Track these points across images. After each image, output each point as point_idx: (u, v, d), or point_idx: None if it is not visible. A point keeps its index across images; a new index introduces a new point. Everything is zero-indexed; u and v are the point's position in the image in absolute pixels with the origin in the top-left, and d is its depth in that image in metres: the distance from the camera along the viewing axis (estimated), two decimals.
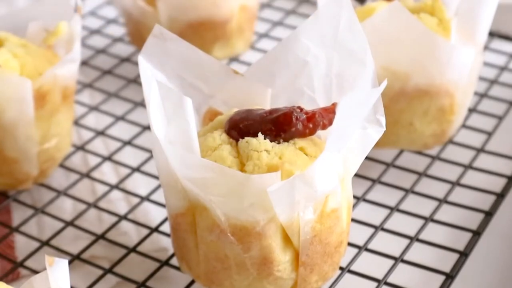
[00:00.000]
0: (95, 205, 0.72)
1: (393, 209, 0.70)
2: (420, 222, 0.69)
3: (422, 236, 0.67)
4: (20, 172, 0.71)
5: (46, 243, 0.68)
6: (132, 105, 0.85)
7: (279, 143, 0.57)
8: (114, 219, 0.71)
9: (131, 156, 0.78)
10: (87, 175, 0.75)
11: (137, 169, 0.75)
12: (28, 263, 0.67)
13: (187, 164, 0.55)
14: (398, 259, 0.64)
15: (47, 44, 0.73)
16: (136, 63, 0.89)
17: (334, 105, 0.58)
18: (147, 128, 0.80)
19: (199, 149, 0.56)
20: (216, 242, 0.58)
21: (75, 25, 0.72)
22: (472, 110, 0.81)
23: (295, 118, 0.57)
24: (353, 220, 0.67)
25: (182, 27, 0.86)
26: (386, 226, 0.68)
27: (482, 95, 0.83)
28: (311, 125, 0.57)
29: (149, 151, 0.77)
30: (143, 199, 0.72)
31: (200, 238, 0.58)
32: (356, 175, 0.63)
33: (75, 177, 0.76)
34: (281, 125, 0.57)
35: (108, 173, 0.77)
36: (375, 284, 0.63)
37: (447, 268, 0.64)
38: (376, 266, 0.64)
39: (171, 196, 0.60)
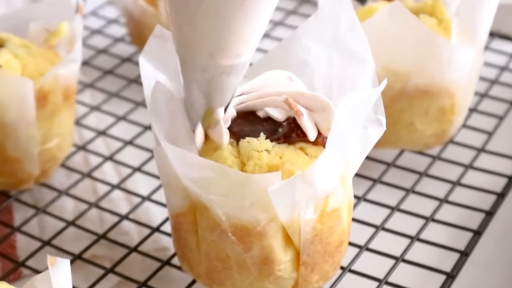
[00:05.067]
0: (96, 205, 0.72)
1: (394, 209, 0.70)
2: (421, 221, 0.69)
3: (422, 236, 0.67)
4: (21, 172, 0.71)
5: (47, 243, 0.68)
6: (133, 105, 0.85)
7: (279, 143, 0.57)
8: (115, 218, 0.71)
9: (132, 156, 0.78)
10: (88, 175, 0.75)
11: (138, 169, 0.76)
12: (30, 262, 0.67)
13: (188, 164, 0.55)
14: (399, 259, 0.65)
15: (48, 44, 0.73)
16: (137, 63, 0.89)
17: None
18: (148, 128, 0.80)
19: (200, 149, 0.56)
20: (217, 241, 0.58)
21: (76, 25, 0.72)
22: (472, 110, 0.81)
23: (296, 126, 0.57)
24: (354, 219, 0.67)
25: None
26: (387, 225, 0.68)
27: (482, 95, 0.83)
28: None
29: (150, 151, 0.77)
30: (144, 199, 0.72)
31: (201, 237, 0.59)
32: (357, 174, 0.63)
33: (76, 177, 0.76)
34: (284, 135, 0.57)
35: (109, 173, 0.77)
36: (376, 283, 0.63)
37: (447, 268, 0.64)
38: (377, 266, 0.64)
39: (172, 196, 0.60)
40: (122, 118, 0.83)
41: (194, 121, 0.57)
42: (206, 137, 0.58)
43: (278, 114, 0.58)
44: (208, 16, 0.49)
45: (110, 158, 0.77)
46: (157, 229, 0.69)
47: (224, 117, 0.57)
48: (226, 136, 0.57)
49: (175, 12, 0.50)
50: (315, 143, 0.57)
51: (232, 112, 0.58)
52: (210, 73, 0.53)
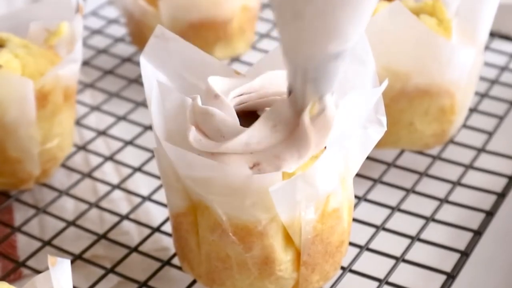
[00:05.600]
0: (96, 205, 0.72)
1: (394, 209, 0.70)
2: (421, 221, 0.69)
3: (423, 236, 0.67)
4: (22, 172, 0.71)
5: (48, 243, 0.68)
6: (133, 105, 0.85)
7: None
8: (115, 219, 0.71)
9: (132, 156, 0.78)
10: (88, 175, 0.75)
11: (138, 169, 0.76)
12: (30, 262, 0.67)
13: (188, 164, 0.55)
14: (399, 259, 0.65)
15: (49, 44, 0.73)
16: (137, 63, 0.89)
17: None
18: (148, 128, 0.80)
19: None
20: (218, 241, 0.58)
21: (77, 25, 0.72)
22: (472, 110, 0.81)
23: None
24: (354, 219, 0.67)
25: (184, 27, 0.86)
26: (387, 225, 0.68)
27: (482, 95, 0.83)
28: None
29: (151, 151, 0.77)
30: (145, 199, 0.72)
31: (202, 237, 0.59)
32: (357, 175, 0.63)
33: (76, 177, 0.76)
34: None
35: (110, 173, 0.77)
36: (377, 283, 0.63)
37: (448, 268, 0.64)
38: (377, 266, 0.64)
39: (172, 196, 0.60)
40: (123, 118, 0.83)
41: (299, 110, 0.54)
42: None
43: None
44: (317, 12, 0.48)
45: (110, 158, 0.77)
46: (157, 229, 0.69)
47: (332, 103, 0.55)
48: (333, 123, 0.54)
49: (281, 11, 0.50)
50: None
51: (335, 101, 0.56)
52: (318, 60, 0.52)
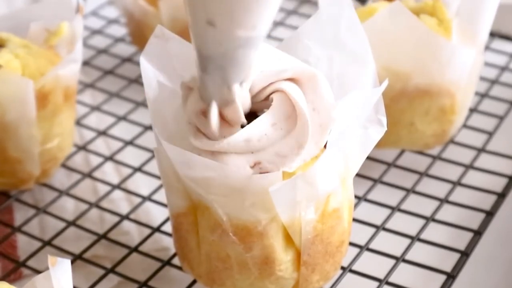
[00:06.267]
0: (97, 205, 0.72)
1: (394, 209, 0.70)
2: (421, 221, 0.69)
3: (423, 236, 0.67)
4: (22, 172, 0.71)
5: (48, 243, 0.68)
6: (133, 105, 0.85)
7: None
8: (116, 219, 0.71)
9: (132, 156, 0.78)
10: (89, 175, 0.75)
11: (138, 169, 0.76)
12: (30, 262, 0.67)
13: (188, 164, 0.55)
14: (400, 259, 0.65)
15: (49, 44, 0.73)
16: (137, 63, 0.89)
17: None
18: (148, 128, 0.80)
19: None
20: (218, 241, 0.58)
21: (77, 25, 0.72)
22: (473, 110, 0.81)
23: None
24: (354, 219, 0.67)
25: (184, 27, 0.85)
26: (387, 225, 0.68)
27: (483, 95, 0.83)
28: None
29: (151, 151, 0.77)
30: (145, 199, 0.72)
31: (202, 237, 0.59)
32: (358, 175, 0.63)
33: (77, 177, 0.76)
34: None
35: (110, 173, 0.77)
36: (377, 283, 0.63)
37: (448, 268, 0.64)
38: (377, 266, 0.64)
39: (172, 196, 0.60)
40: (123, 118, 0.83)
41: (207, 100, 0.54)
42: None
43: None
44: None
45: (110, 158, 0.77)
46: (157, 229, 0.69)
47: (241, 94, 0.54)
48: (242, 114, 0.54)
49: None
50: None
51: (252, 86, 0.55)
52: (226, 47, 0.51)
